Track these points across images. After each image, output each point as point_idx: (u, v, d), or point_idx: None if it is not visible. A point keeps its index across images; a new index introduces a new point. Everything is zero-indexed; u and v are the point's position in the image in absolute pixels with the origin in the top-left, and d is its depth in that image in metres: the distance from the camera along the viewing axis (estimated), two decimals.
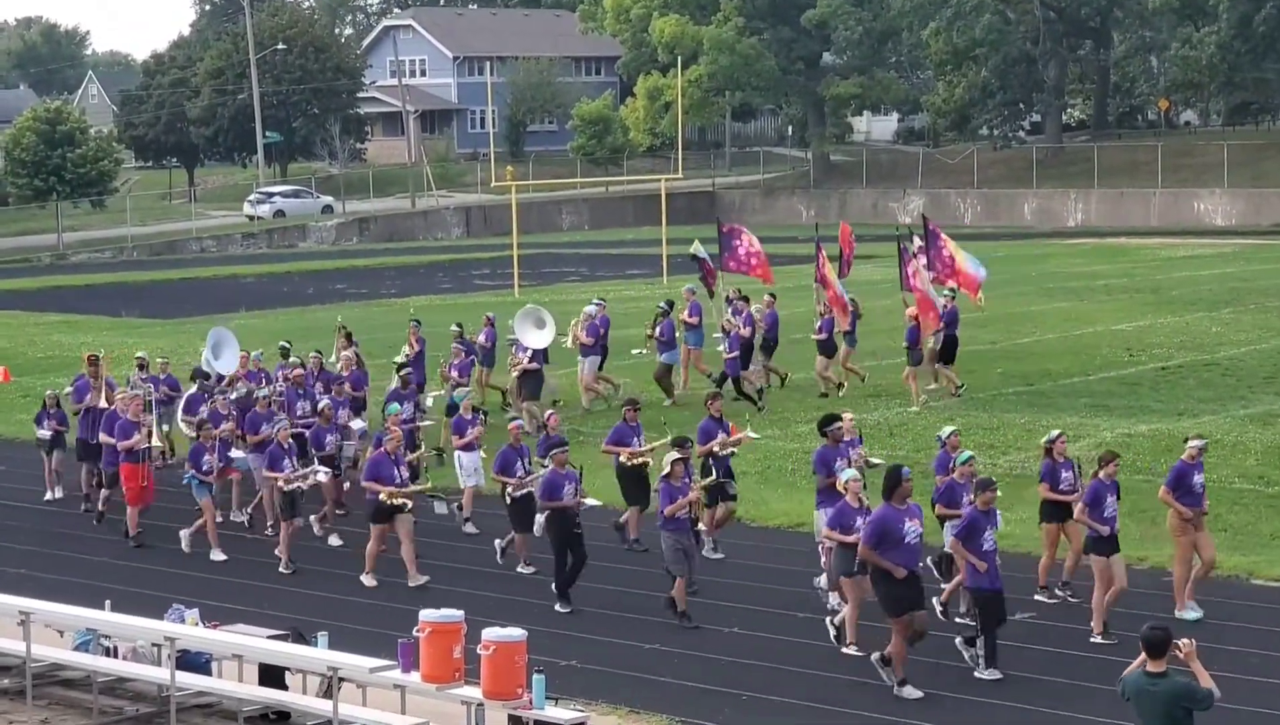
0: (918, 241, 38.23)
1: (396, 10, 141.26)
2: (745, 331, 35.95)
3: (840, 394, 36.15)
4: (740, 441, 24.77)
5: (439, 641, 16.00)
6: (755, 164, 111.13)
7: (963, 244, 43.09)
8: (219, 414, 27.27)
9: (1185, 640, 13.01)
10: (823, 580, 21.31)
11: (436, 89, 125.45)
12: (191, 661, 17.88)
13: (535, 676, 15.74)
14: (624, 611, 21.91)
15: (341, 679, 16.57)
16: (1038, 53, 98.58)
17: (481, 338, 36.46)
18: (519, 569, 23.88)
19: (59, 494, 29.18)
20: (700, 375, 37.23)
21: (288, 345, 33.66)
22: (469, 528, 26.30)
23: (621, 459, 24.70)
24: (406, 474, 23.84)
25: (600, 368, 36.31)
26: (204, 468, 25.40)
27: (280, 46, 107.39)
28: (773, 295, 37.86)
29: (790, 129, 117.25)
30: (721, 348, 36.37)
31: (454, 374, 32.50)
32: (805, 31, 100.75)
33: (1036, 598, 21.69)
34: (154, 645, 18.26)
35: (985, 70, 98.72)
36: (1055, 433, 22.13)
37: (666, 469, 21.21)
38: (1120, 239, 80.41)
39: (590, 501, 23.59)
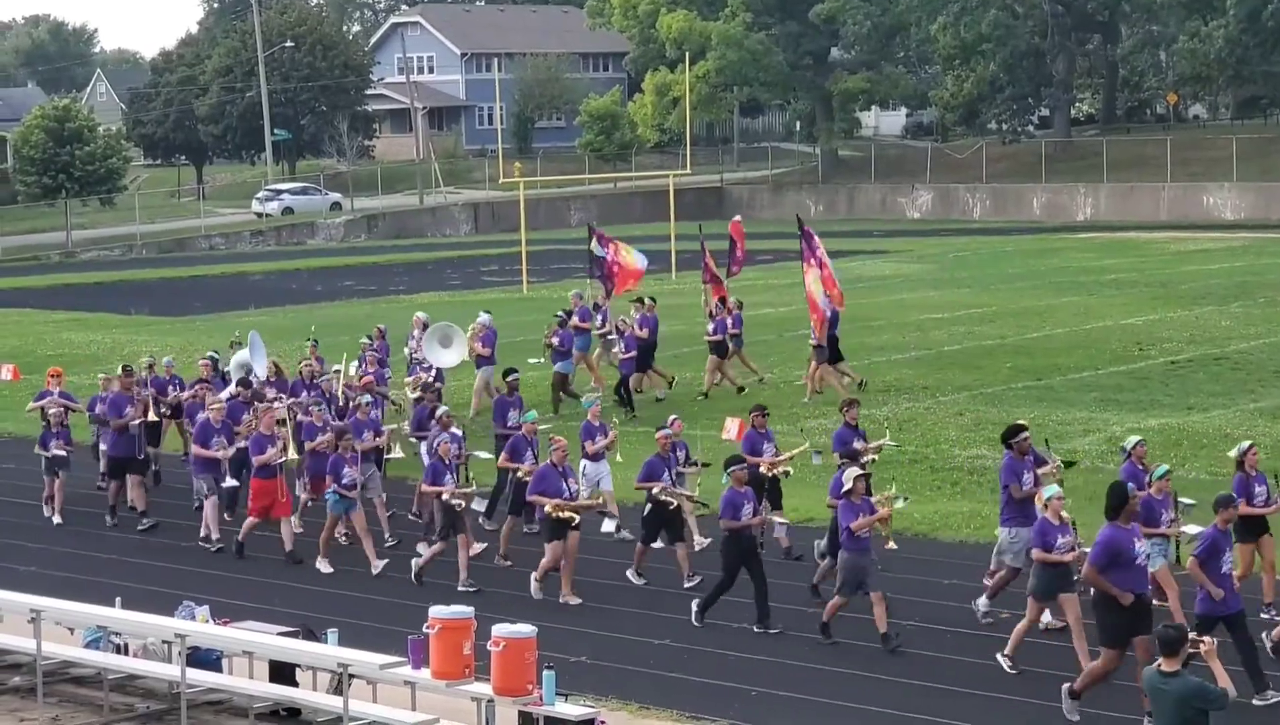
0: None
1: (404, 7, 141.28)
2: (642, 333, 35.29)
3: (740, 393, 35.43)
4: (880, 447, 23.91)
5: (449, 638, 15.99)
6: (763, 159, 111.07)
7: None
8: (360, 424, 26.16)
9: (1207, 638, 12.96)
10: (982, 602, 20.57)
11: (444, 85, 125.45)
12: (202, 658, 17.89)
13: (545, 673, 15.74)
14: (634, 607, 21.90)
15: (352, 676, 16.57)
16: (1046, 47, 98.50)
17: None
18: (629, 574, 23.06)
19: (59, 519, 27.83)
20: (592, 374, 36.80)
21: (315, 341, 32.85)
22: (624, 533, 25.08)
23: (761, 469, 23.27)
24: (575, 487, 22.51)
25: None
26: (345, 482, 23.90)
27: (288, 44, 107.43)
28: (652, 299, 36.93)
29: (798, 124, 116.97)
30: (617, 349, 35.56)
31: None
32: (813, 26, 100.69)
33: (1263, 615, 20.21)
34: (164, 642, 18.26)
35: (993, 65, 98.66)
36: (1246, 444, 20.67)
37: (848, 486, 19.95)
38: (1129, 233, 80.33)
39: (779, 519, 22.89)
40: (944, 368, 39.46)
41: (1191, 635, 13.00)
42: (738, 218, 42.47)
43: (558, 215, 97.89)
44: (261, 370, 29.73)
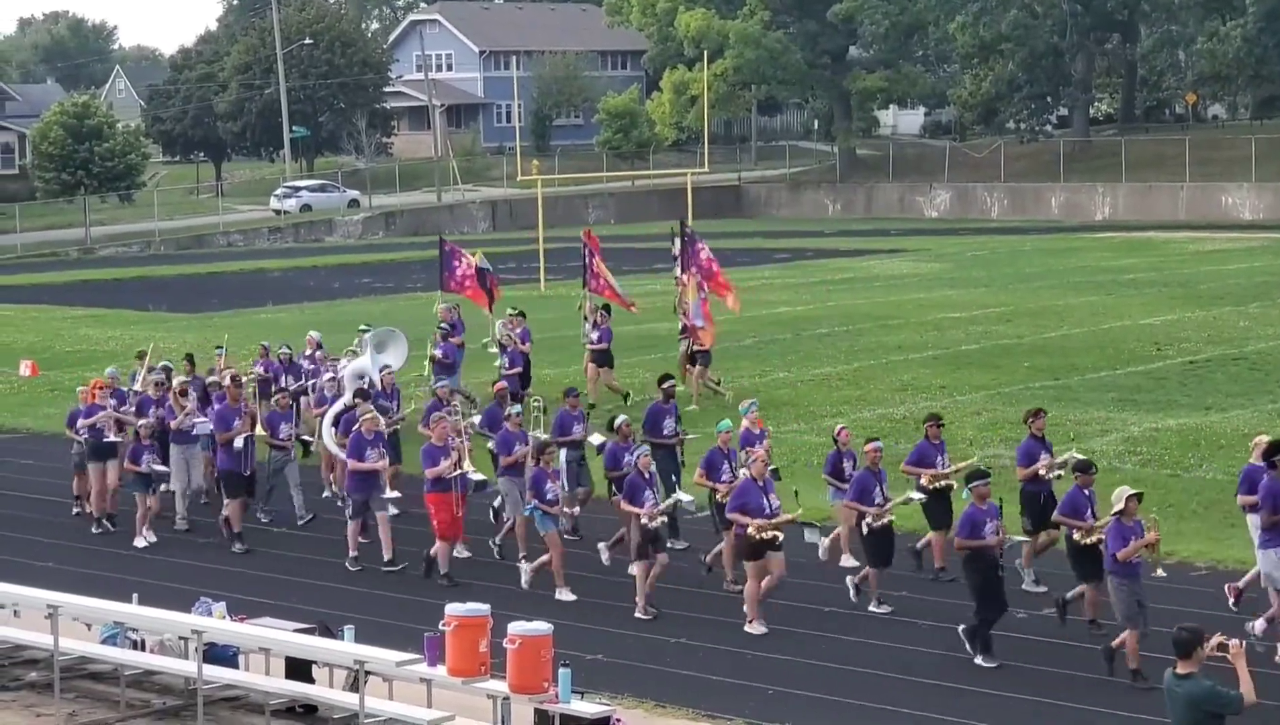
0: (678, 246, 37.08)
1: (423, 4, 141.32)
2: (525, 347, 34.54)
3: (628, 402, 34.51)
4: (1067, 462, 21.84)
5: (465, 635, 15.99)
6: (781, 158, 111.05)
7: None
8: (512, 436, 24.50)
9: (1235, 641, 12.89)
10: (1257, 625, 19.29)
11: (463, 83, 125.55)
12: (219, 655, 17.91)
13: (561, 670, 15.74)
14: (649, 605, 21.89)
15: (368, 672, 16.58)
16: (1065, 46, 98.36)
17: (259, 368, 32.11)
18: (872, 608, 21.32)
19: (151, 539, 26.01)
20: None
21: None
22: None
23: (923, 482, 22.40)
24: (777, 502, 20.76)
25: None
26: (549, 498, 22.23)
27: (307, 41, 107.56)
28: (521, 313, 35.80)
29: (816, 123, 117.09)
30: (499, 363, 34.19)
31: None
32: (831, 25, 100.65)
33: None
34: (181, 638, 18.28)
35: (1012, 64, 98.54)
36: None
37: (1120, 506, 18.36)
38: (1148, 233, 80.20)
39: (1019, 539, 21.28)
40: (961, 367, 39.41)
41: (1220, 638, 12.92)
42: (588, 227, 40.98)
43: (575, 213, 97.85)
44: (396, 359, 29.29)
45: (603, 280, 37.57)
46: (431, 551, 23.32)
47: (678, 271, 37.18)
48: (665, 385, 26.20)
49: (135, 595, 19.41)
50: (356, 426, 24.63)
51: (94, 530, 26.74)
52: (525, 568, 22.73)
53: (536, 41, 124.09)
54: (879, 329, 46.28)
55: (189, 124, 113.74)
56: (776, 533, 20.44)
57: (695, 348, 35.32)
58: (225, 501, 26.03)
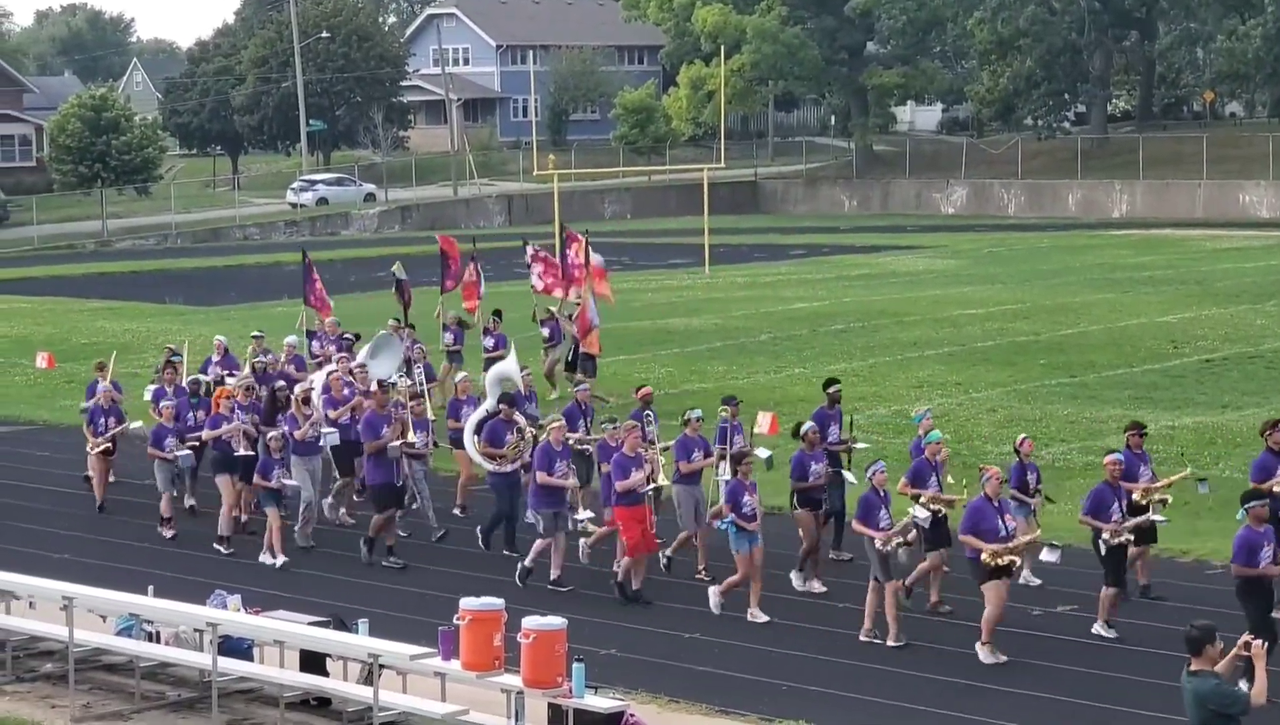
0: (531, 249, 36.94)
1: None
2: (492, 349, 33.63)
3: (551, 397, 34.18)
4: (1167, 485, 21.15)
5: (479, 629, 15.99)
6: (798, 154, 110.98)
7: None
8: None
9: (1258, 641, 12.86)
10: None
11: (479, 77, 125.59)
12: (233, 647, 17.93)
13: (575, 665, 15.74)
14: (664, 601, 21.88)
15: (382, 666, 16.59)
16: (1083, 43, 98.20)
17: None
18: (1096, 629, 19.87)
19: (283, 560, 24.15)
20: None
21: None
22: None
23: (1135, 497, 20.84)
24: (1013, 524, 19.22)
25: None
26: (746, 512, 20.58)
27: (324, 35, 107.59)
28: (498, 313, 35.32)
29: (833, 119, 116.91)
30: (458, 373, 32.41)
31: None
32: (849, 21, 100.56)
33: None
34: (196, 631, 18.30)
35: (1030, 60, 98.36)
36: None
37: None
38: (1165, 230, 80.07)
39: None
40: (977, 364, 39.37)
41: (1246, 637, 12.89)
42: (443, 233, 39.96)
43: (592, 208, 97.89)
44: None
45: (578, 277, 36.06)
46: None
47: (534, 280, 36.85)
48: (831, 390, 24.45)
49: (151, 587, 19.44)
50: (545, 437, 22.86)
51: (223, 551, 24.74)
52: (714, 592, 21.20)
53: (553, 36, 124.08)
54: (895, 325, 46.25)
55: (206, 117, 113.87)
56: (1014, 558, 19.12)
57: (585, 352, 33.96)
58: (375, 515, 24.20)
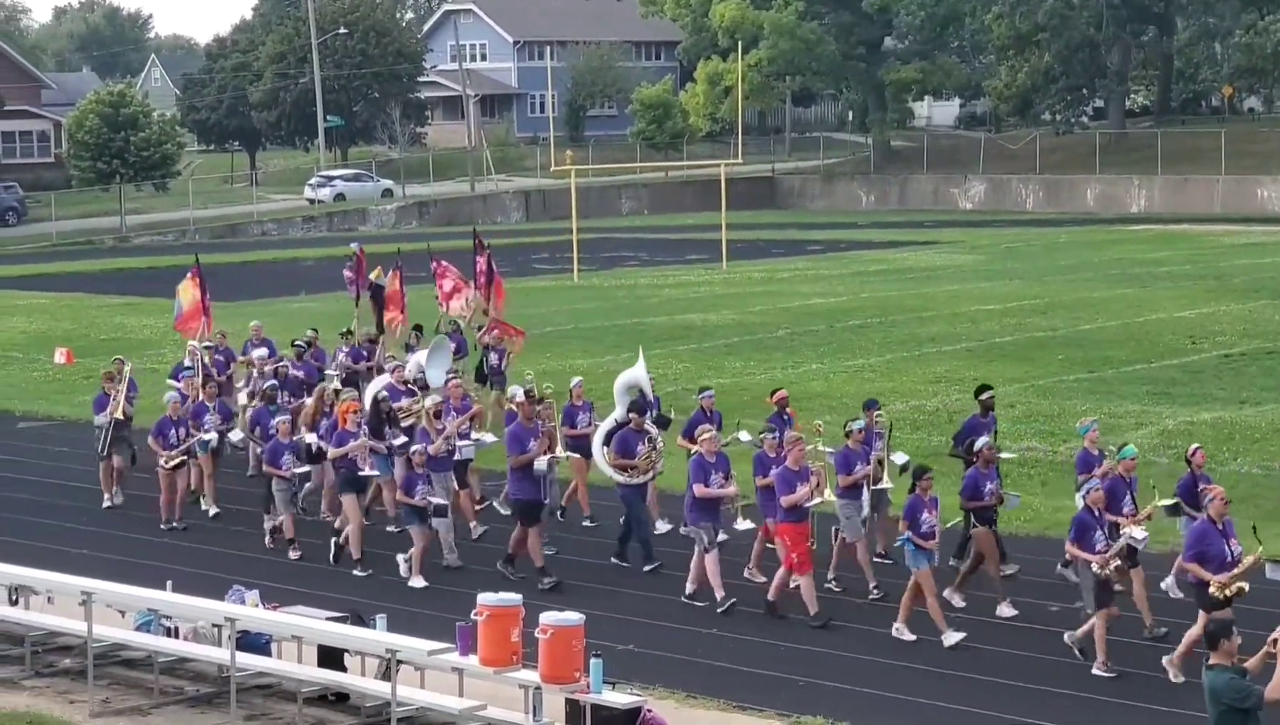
0: (435, 262, 35.57)
1: None
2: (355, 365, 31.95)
3: None
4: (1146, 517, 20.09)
5: (497, 625, 16.02)
6: (815, 149, 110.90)
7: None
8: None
9: None
10: None
11: (497, 73, 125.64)
12: (251, 642, 17.96)
13: (593, 660, 15.75)
14: (681, 596, 21.87)
15: (400, 661, 16.61)
16: (1101, 38, 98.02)
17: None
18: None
19: (423, 583, 22.83)
20: None
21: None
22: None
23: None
24: (1237, 547, 17.72)
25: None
26: (923, 530, 19.62)
27: (342, 31, 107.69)
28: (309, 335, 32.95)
29: (851, 114, 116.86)
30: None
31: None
32: (866, 16, 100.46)
33: None
34: (214, 626, 18.35)
35: (1048, 55, 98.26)
36: None
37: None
38: (1183, 226, 79.97)
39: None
40: (995, 359, 39.33)
41: (1276, 633, 12.90)
42: (358, 244, 38.35)
43: (609, 204, 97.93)
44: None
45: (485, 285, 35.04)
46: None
47: (439, 292, 35.30)
48: (984, 396, 23.58)
49: (169, 583, 19.47)
50: (696, 449, 21.68)
51: (358, 573, 23.30)
52: (898, 627, 20.08)
53: (571, 32, 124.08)
54: (912, 321, 46.21)
55: (224, 113, 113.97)
56: (1242, 586, 17.56)
57: (511, 357, 31.87)
58: (517, 529, 22.89)
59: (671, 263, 66.58)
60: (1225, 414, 31.91)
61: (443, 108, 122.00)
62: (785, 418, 23.57)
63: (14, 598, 19.64)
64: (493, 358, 31.09)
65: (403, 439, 24.75)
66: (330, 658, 17.72)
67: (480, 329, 32.95)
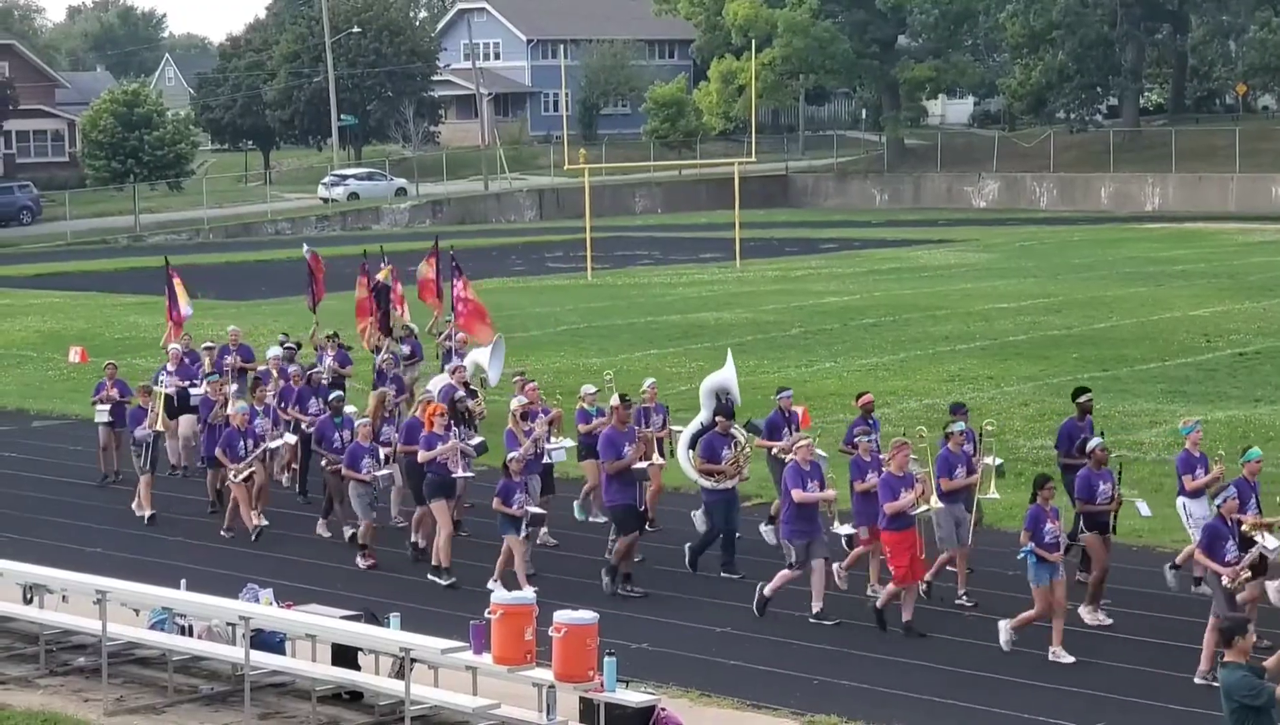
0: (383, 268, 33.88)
1: None
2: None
3: None
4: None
5: (511, 624, 16.02)
6: (829, 147, 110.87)
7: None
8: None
9: None
10: None
11: (510, 72, 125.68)
12: (265, 641, 17.97)
13: (606, 659, 15.76)
14: (695, 595, 21.88)
15: (414, 660, 16.62)
16: (1115, 36, 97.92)
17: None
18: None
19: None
20: None
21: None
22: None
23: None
24: None
25: None
26: (1048, 539, 18.80)
27: (355, 30, 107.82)
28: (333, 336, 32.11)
29: (864, 112, 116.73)
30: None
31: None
32: (880, 14, 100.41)
33: None
34: (229, 624, 18.36)
35: (1062, 53, 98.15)
36: None
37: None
38: (1197, 224, 79.86)
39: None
40: (1009, 358, 39.30)
41: None
42: (312, 250, 37.29)
43: (622, 202, 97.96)
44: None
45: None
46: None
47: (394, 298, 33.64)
48: (1081, 399, 22.82)
49: (183, 581, 19.49)
50: (790, 457, 21.02)
51: (443, 583, 22.44)
52: (1004, 626, 19.22)
53: (584, 30, 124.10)
54: (926, 319, 46.19)
55: (238, 112, 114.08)
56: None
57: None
58: (616, 540, 22.21)
59: (685, 261, 66.58)
60: (1240, 412, 31.86)
61: (456, 106, 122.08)
62: (871, 421, 23.00)
63: (29, 596, 19.67)
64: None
65: (478, 440, 24.07)
66: (344, 656, 17.73)
67: (440, 335, 32.22)
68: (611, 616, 18.73)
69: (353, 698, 17.53)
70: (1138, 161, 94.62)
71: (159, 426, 27.30)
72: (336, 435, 24.87)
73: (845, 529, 21.22)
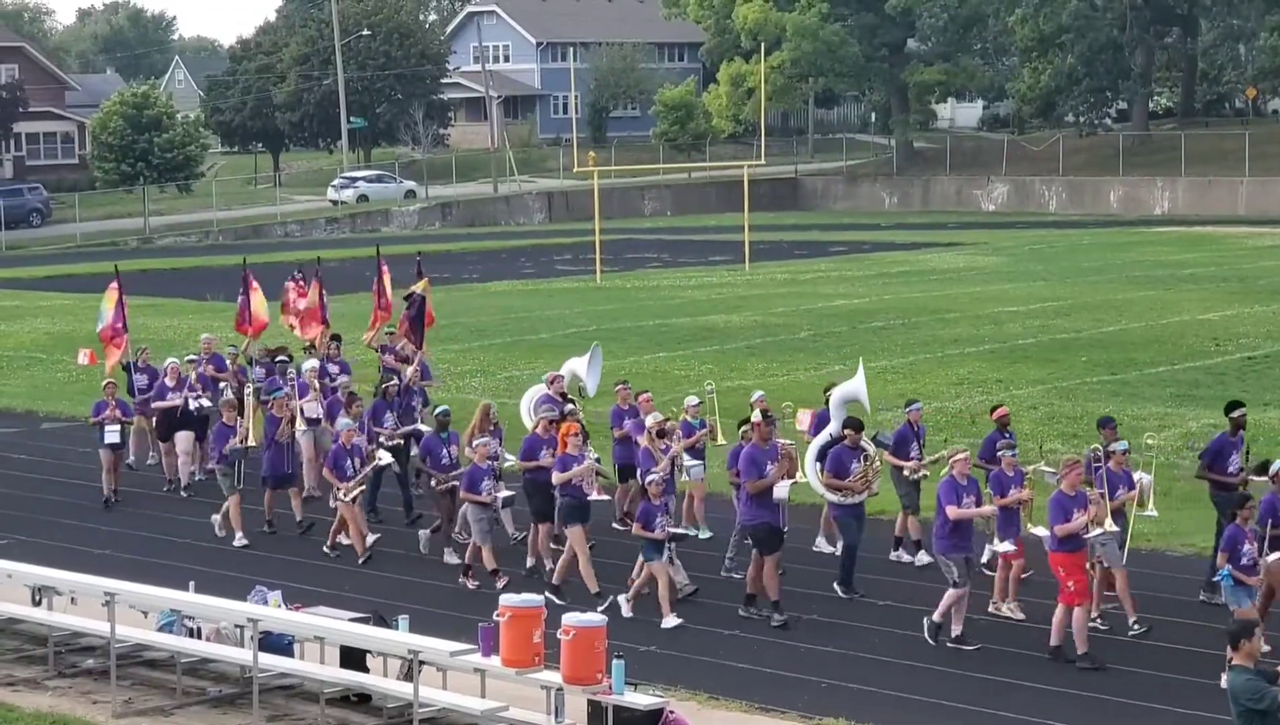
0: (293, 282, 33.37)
1: None
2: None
3: None
4: None
5: (519, 626, 16.02)
6: (838, 151, 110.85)
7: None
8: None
9: None
10: None
11: (520, 74, 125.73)
12: (274, 643, 17.98)
13: (615, 662, 15.76)
14: (703, 598, 21.86)
15: (422, 662, 16.63)
16: (1124, 39, 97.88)
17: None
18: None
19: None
20: None
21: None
22: None
23: None
24: None
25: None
26: (1245, 561, 18.33)
27: (365, 32, 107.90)
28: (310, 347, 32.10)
29: (874, 116, 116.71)
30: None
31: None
32: (889, 18, 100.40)
33: None
34: (237, 627, 18.37)
35: (1071, 57, 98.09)
36: None
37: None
38: (1207, 227, 79.81)
39: None
40: (1018, 361, 39.29)
41: None
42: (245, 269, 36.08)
43: (631, 205, 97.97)
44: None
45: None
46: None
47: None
48: (1235, 414, 21.85)
49: (192, 583, 19.51)
50: (946, 472, 20.11)
51: (559, 601, 20.83)
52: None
53: (594, 33, 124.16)
54: (935, 322, 46.17)
55: (247, 114, 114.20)
56: None
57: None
58: (754, 561, 21.07)
59: (694, 264, 66.57)
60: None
61: (465, 109, 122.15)
62: (1007, 435, 22.30)
63: (37, 598, 19.70)
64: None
65: (594, 456, 22.51)
66: (352, 659, 17.74)
67: (384, 351, 31.23)
68: (620, 619, 18.73)
69: (361, 700, 17.55)
70: (1147, 165, 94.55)
71: (251, 441, 25.65)
72: (445, 451, 23.68)
73: (1005, 546, 20.28)
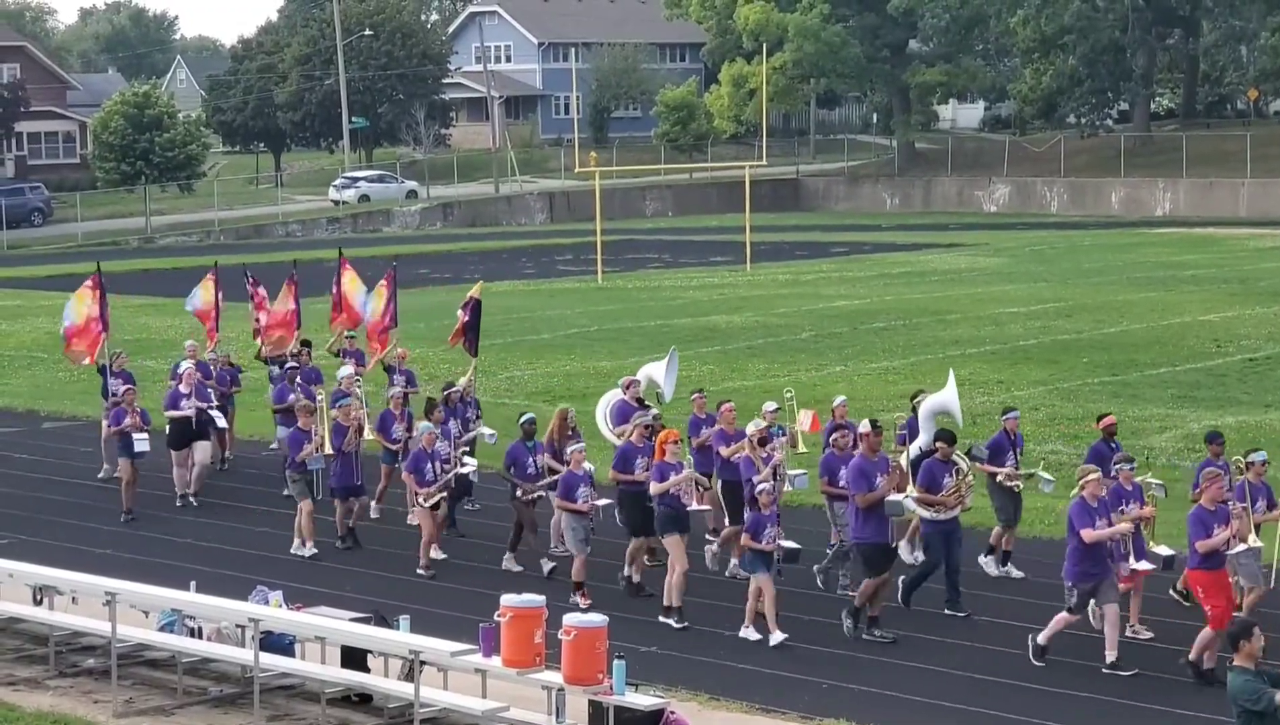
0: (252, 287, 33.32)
1: None
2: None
3: None
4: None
5: (520, 626, 16.01)
6: (840, 151, 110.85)
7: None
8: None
9: None
10: None
11: (521, 75, 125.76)
12: (275, 643, 17.98)
13: (616, 662, 15.75)
14: (704, 599, 21.85)
15: (423, 662, 16.62)
16: (1126, 41, 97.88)
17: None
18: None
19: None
20: None
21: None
22: None
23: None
24: None
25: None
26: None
27: (367, 32, 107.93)
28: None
29: (875, 116, 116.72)
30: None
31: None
32: (891, 19, 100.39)
33: None
34: (238, 626, 18.36)
35: (1073, 58, 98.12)
36: None
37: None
38: (1208, 229, 79.80)
39: None
40: (1019, 362, 39.28)
41: None
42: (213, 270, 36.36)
43: (633, 205, 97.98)
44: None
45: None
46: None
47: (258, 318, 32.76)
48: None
49: (193, 583, 19.50)
50: (1076, 493, 18.77)
51: (676, 625, 20.64)
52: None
53: (595, 33, 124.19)
54: (936, 323, 46.17)
55: (249, 114, 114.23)
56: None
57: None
58: (864, 579, 20.25)
59: (695, 265, 66.57)
60: (1250, 418, 31.83)
61: (467, 109, 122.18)
62: (1113, 446, 21.48)
63: (39, 598, 19.70)
64: (398, 379, 28.68)
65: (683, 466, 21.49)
66: (353, 659, 17.74)
67: (342, 354, 31.13)
68: (621, 620, 18.72)
69: (362, 700, 17.55)
70: (1149, 166, 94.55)
71: (328, 450, 24.63)
72: (530, 460, 22.94)
73: (1164, 549, 19.25)
